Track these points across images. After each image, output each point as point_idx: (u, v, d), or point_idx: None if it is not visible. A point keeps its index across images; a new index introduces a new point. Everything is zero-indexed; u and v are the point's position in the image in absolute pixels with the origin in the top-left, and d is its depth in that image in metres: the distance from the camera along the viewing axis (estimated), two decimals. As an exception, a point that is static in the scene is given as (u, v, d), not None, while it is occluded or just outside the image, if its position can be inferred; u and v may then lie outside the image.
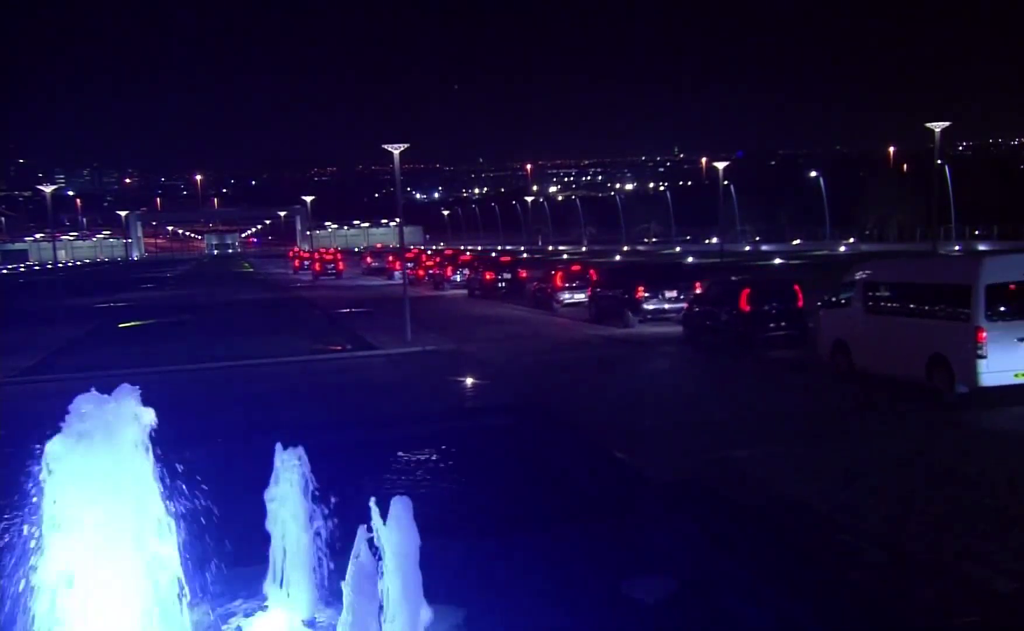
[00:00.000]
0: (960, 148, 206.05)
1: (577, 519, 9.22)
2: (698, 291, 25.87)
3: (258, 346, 26.01)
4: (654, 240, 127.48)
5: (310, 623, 6.55)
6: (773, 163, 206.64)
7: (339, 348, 25.84)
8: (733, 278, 29.26)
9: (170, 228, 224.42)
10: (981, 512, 9.31)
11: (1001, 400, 14.02)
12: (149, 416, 5.35)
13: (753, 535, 8.84)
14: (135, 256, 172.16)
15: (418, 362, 22.60)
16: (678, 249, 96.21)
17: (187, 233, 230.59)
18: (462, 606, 6.59)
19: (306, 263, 79.48)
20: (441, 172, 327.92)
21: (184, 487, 5.94)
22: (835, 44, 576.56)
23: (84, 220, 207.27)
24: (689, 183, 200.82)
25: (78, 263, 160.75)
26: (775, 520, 9.44)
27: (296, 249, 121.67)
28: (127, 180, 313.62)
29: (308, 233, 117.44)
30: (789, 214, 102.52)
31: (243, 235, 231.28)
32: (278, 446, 6.56)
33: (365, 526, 5.32)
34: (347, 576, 5.33)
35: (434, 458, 12.08)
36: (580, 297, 33.80)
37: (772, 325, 21.95)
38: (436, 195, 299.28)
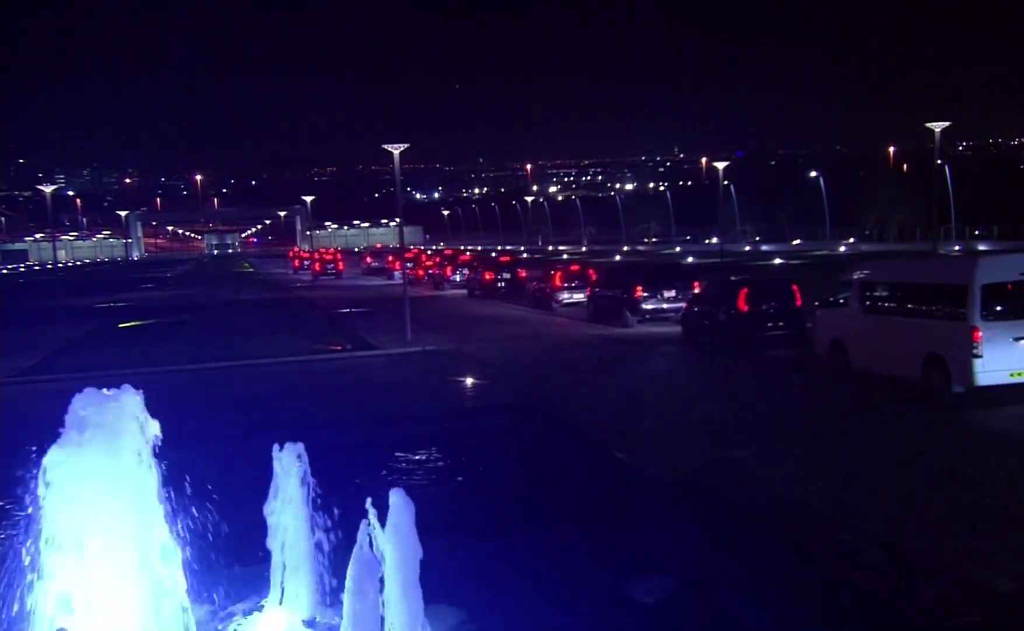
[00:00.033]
0: (960, 148, 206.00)
1: (577, 519, 9.22)
2: (697, 291, 25.95)
3: (258, 346, 26.01)
4: (654, 240, 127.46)
5: (310, 623, 6.54)
6: (773, 163, 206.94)
7: (339, 348, 25.84)
8: (731, 278, 29.27)
9: (170, 228, 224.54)
10: (981, 512, 9.31)
11: (998, 399, 14.02)
12: (154, 428, 5.40)
13: (753, 535, 8.83)
14: (135, 256, 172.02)
15: (418, 362, 22.61)
16: (678, 249, 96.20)
17: (187, 233, 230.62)
18: (462, 606, 6.59)
19: (306, 263, 79.45)
20: (441, 172, 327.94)
21: (184, 487, 5.95)
22: (835, 44, 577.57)
23: (84, 220, 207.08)
24: (689, 183, 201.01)
25: (78, 263, 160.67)
26: (775, 520, 9.44)
27: (296, 249, 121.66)
28: (127, 180, 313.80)
29: (308, 233, 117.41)
30: (789, 214, 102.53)
31: (243, 235, 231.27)
32: (275, 447, 6.54)
33: (365, 521, 5.32)
34: (347, 576, 5.33)
35: (434, 458, 12.07)
36: (579, 297, 33.84)
37: (770, 325, 21.98)
38: (436, 195, 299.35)
